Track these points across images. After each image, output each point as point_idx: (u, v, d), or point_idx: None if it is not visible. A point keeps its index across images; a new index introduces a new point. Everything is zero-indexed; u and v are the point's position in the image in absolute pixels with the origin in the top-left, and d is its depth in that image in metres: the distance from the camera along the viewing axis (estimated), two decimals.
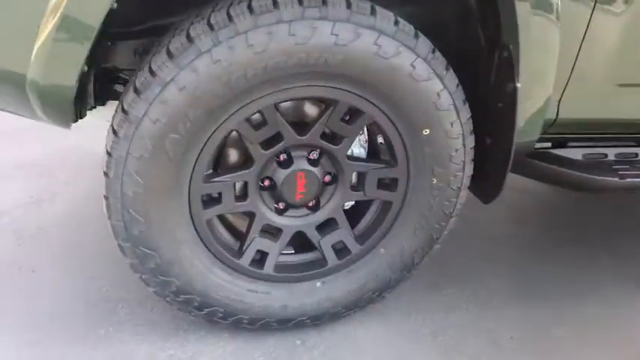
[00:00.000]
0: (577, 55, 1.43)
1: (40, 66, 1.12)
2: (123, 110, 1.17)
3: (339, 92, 1.27)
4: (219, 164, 1.41)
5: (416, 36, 1.25)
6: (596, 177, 1.56)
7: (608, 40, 1.46)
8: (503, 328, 1.67)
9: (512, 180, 1.55)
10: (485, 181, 1.62)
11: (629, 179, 1.55)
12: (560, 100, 1.50)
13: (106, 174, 1.23)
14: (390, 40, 1.21)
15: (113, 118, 1.23)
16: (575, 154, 1.70)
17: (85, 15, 1.08)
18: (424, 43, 1.26)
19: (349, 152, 1.46)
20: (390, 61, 1.23)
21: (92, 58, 1.17)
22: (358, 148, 1.50)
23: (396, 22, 1.22)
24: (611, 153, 1.71)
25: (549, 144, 1.75)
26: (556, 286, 1.92)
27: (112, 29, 1.31)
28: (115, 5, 1.07)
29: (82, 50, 1.10)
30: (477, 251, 2.10)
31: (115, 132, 1.19)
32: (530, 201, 2.63)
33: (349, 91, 1.27)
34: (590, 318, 1.76)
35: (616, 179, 1.56)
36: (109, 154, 1.21)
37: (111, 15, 1.10)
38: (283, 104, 1.33)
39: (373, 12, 1.19)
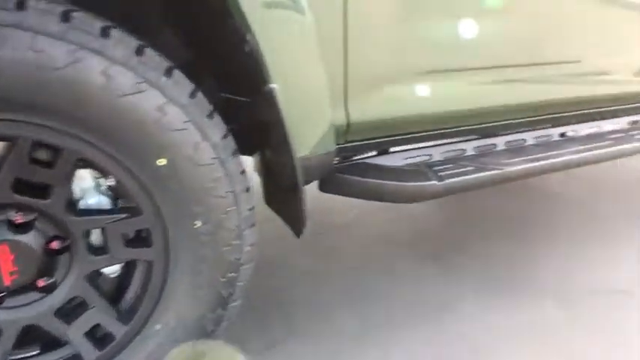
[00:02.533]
0: (345, 38, 1.15)
1: None
2: None
3: (9, 124, 0.90)
4: None
5: (104, 34, 0.91)
6: (409, 183, 1.27)
7: (392, 18, 1.21)
8: None
9: None
10: (287, 207, 1.31)
11: (448, 180, 1.27)
12: (345, 100, 1.22)
13: None
14: (55, 41, 0.87)
15: None
16: (396, 159, 1.43)
17: None
18: (121, 43, 0.93)
19: (83, 204, 1.09)
20: (66, 70, 0.88)
21: None
22: (97, 197, 1.12)
23: (66, 19, 0.88)
24: (436, 152, 1.46)
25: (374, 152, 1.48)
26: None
27: None
28: None
29: None
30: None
31: None
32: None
33: (20, 121, 0.90)
34: None
35: (434, 182, 1.27)
36: None
37: None
38: None
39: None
